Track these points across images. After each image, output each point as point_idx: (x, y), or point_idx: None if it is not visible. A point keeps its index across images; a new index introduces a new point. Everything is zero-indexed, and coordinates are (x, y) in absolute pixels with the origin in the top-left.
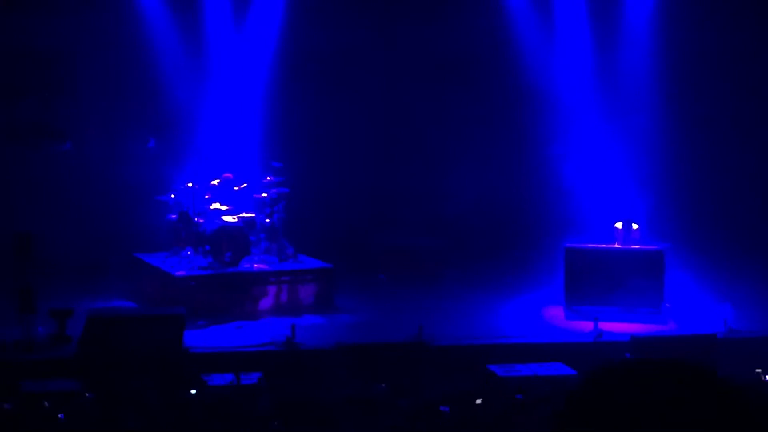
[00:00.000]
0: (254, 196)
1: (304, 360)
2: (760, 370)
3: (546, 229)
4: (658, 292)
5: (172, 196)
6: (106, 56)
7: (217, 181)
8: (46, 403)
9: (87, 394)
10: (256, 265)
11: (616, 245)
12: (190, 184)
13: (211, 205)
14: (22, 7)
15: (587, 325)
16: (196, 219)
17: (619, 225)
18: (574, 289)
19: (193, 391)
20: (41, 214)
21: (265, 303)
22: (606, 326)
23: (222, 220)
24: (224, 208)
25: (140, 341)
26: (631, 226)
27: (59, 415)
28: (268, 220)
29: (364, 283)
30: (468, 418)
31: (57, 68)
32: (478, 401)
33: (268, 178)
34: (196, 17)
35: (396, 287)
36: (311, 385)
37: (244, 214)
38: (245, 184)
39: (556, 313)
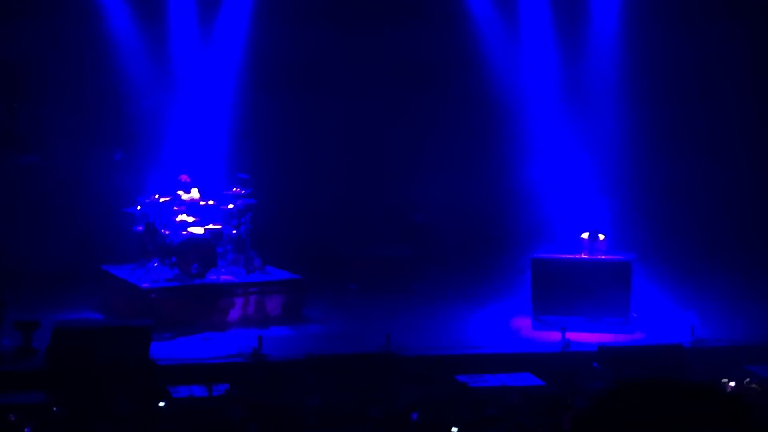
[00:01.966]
0: (221, 207)
1: (271, 371)
2: (726, 380)
3: (513, 238)
4: (625, 302)
5: (139, 207)
6: (73, 66)
7: (187, 195)
8: (12, 417)
9: (54, 407)
10: (223, 277)
11: (583, 255)
12: (156, 196)
13: (177, 216)
14: None
15: (555, 336)
16: (162, 231)
17: (585, 235)
18: (542, 299)
19: (161, 404)
20: (6, 226)
21: (233, 315)
22: (573, 336)
23: (189, 231)
24: (191, 219)
25: (107, 353)
26: (598, 237)
27: (26, 429)
28: (235, 232)
29: (332, 294)
30: (438, 427)
31: (23, 77)
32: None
33: (235, 189)
34: (162, 26)
35: (364, 297)
36: (280, 396)
37: (210, 226)
38: (211, 201)
39: (523, 324)
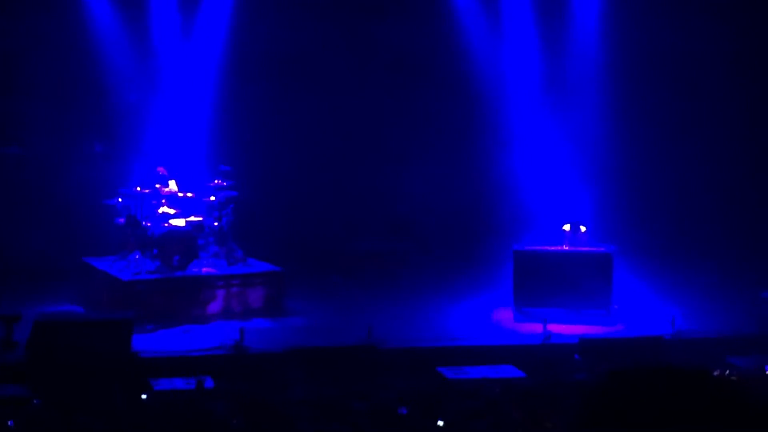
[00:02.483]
0: (203, 199)
1: (253, 364)
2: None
3: (495, 230)
4: (606, 294)
5: (120, 200)
6: (54, 58)
7: (166, 187)
8: None
9: (35, 400)
10: (204, 269)
11: (565, 247)
12: (138, 188)
13: (159, 209)
14: None
15: (536, 327)
16: (144, 223)
17: (567, 227)
18: (523, 291)
19: (143, 396)
20: None
21: (214, 307)
22: (555, 328)
23: (170, 224)
24: (172, 211)
25: (88, 346)
26: (579, 229)
27: (8, 422)
28: (216, 224)
29: (314, 286)
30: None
31: (4, 70)
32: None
33: (217, 181)
34: (144, 18)
35: (346, 289)
36: (262, 389)
37: (192, 218)
38: (190, 194)
39: (505, 316)
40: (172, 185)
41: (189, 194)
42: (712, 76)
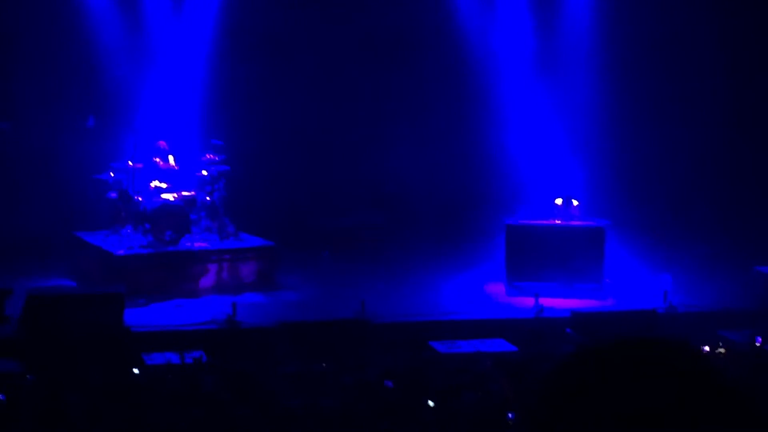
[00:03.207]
0: (195, 174)
1: (245, 338)
2: (699, 346)
3: (487, 204)
4: (598, 268)
5: (112, 174)
6: (45, 33)
7: (159, 160)
8: None
9: (27, 375)
10: (196, 244)
11: (557, 221)
12: (130, 163)
13: (151, 183)
14: None
15: (528, 301)
16: (135, 197)
17: (559, 201)
18: (515, 265)
19: (135, 371)
20: None
21: (206, 281)
22: (547, 302)
23: (162, 198)
24: (164, 186)
25: (81, 321)
26: (572, 203)
27: (0, 397)
28: (208, 198)
29: (306, 261)
30: (412, 393)
31: None
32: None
33: (209, 156)
34: None
35: (338, 264)
36: (253, 363)
37: (184, 193)
38: (185, 168)
39: (497, 290)
40: (171, 160)
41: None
42: (703, 52)
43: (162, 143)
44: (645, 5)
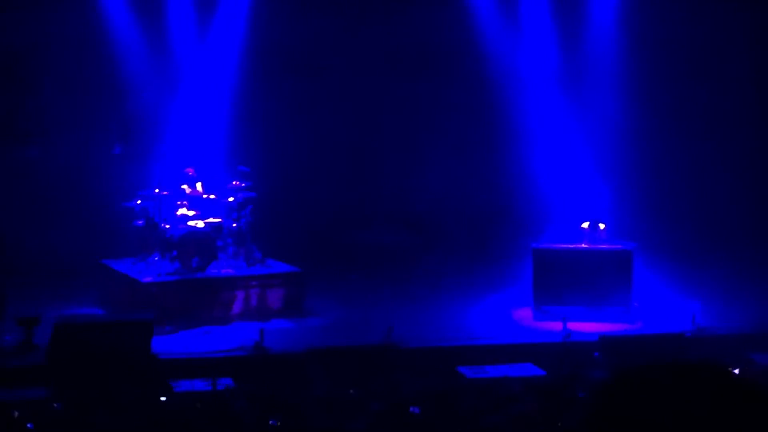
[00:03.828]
0: (221, 200)
1: (273, 364)
2: (730, 368)
3: (513, 226)
4: (626, 291)
5: (139, 202)
6: (73, 58)
7: (186, 187)
8: (16, 413)
9: (55, 404)
10: (223, 270)
11: (584, 245)
12: (157, 190)
13: (178, 210)
14: None
15: (556, 326)
16: (162, 225)
17: (586, 225)
18: (542, 289)
19: (163, 398)
20: (7, 219)
21: (234, 308)
22: (575, 326)
23: (189, 225)
24: (191, 213)
25: (108, 348)
26: (598, 226)
27: (28, 425)
28: (235, 225)
29: (333, 286)
30: (439, 418)
31: (24, 69)
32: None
33: (235, 182)
34: (161, 17)
35: (365, 288)
36: (282, 389)
37: (211, 219)
38: (213, 195)
39: (524, 314)
40: (199, 186)
41: (211, 196)
42: (732, 69)
43: (190, 170)
44: (671, 19)
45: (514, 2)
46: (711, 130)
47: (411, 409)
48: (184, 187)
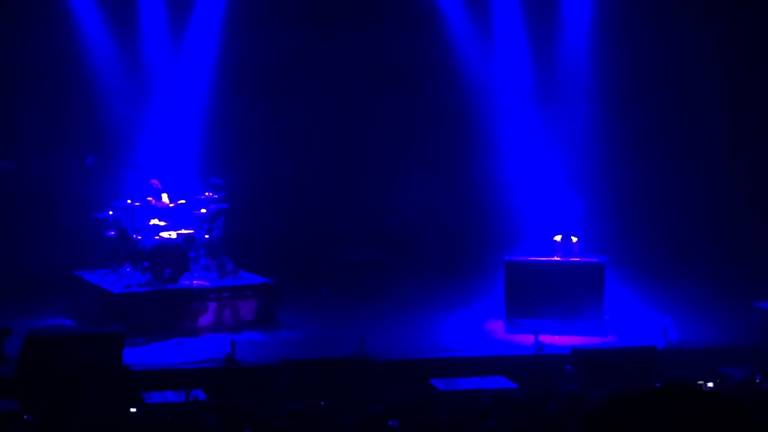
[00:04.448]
0: (194, 212)
1: (245, 376)
2: (702, 382)
3: (486, 239)
4: (598, 304)
5: (111, 213)
6: (45, 71)
7: (152, 199)
8: None
9: (26, 416)
10: (195, 282)
11: (556, 258)
12: (128, 201)
13: (149, 221)
14: None
15: (528, 338)
16: (134, 236)
17: (558, 238)
18: (515, 302)
19: (133, 410)
20: None
21: (205, 320)
22: (547, 339)
23: (161, 236)
24: (163, 224)
25: (79, 360)
26: (571, 239)
27: None
28: (207, 236)
29: (306, 298)
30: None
31: None
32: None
33: (208, 193)
34: (134, 32)
35: (338, 301)
36: (253, 402)
37: (183, 231)
38: (183, 201)
39: (497, 327)
40: (165, 198)
41: (181, 201)
42: (702, 86)
43: (155, 182)
44: (644, 38)
45: (487, 19)
46: (682, 146)
47: (390, 422)
48: (150, 199)
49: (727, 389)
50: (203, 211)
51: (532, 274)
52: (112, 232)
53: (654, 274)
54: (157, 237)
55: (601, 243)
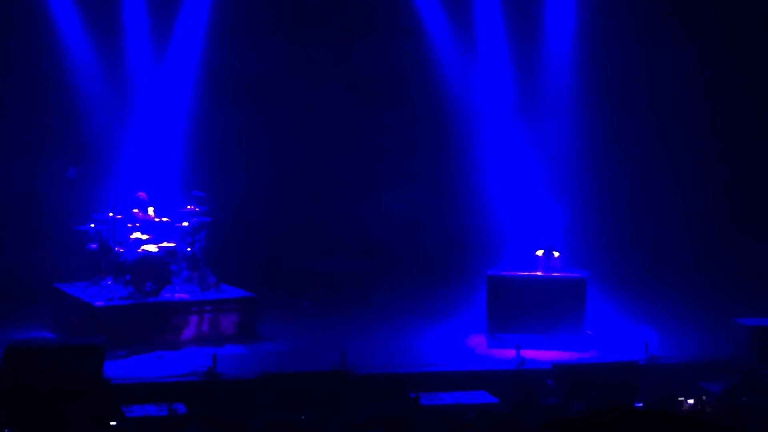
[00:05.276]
0: (176, 225)
1: (226, 390)
2: (682, 398)
3: (469, 252)
4: (579, 319)
5: (92, 225)
6: (27, 82)
7: (138, 211)
8: None
9: (6, 429)
10: (177, 295)
11: (538, 272)
12: (111, 214)
13: (131, 234)
14: None
15: (510, 353)
16: (116, 248)
17: (540, 252)
18: (497, 316)
19: (113, 423)
20: None
21: (187, 333)
22: (528, 354)
23: (142, 249)
24: (145, 237)
25: (60, 372)
26: (553, 254)
27: None
28: (189, 250)
29: (287, 311)
30: None
31: None
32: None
33: (190, 207)
34: (117, 42)
35: (320, 314)
36: (235, 415)
37: (165, 244)
38: (166, 218)
39: (478, 341)
40: (151, 211)
41: (165, 219)
42: (684, 98)
43: (142, 194)
44: (626, 50)
45: (470, 31)
46: (664, 160)
47: None
48: (136, 211)
49: (706, 404)
50: (185, 224)
51: (515, 288)
52: (94, 245)
53: (636, 288)
54: (139, 250)
55: (584, 256)
